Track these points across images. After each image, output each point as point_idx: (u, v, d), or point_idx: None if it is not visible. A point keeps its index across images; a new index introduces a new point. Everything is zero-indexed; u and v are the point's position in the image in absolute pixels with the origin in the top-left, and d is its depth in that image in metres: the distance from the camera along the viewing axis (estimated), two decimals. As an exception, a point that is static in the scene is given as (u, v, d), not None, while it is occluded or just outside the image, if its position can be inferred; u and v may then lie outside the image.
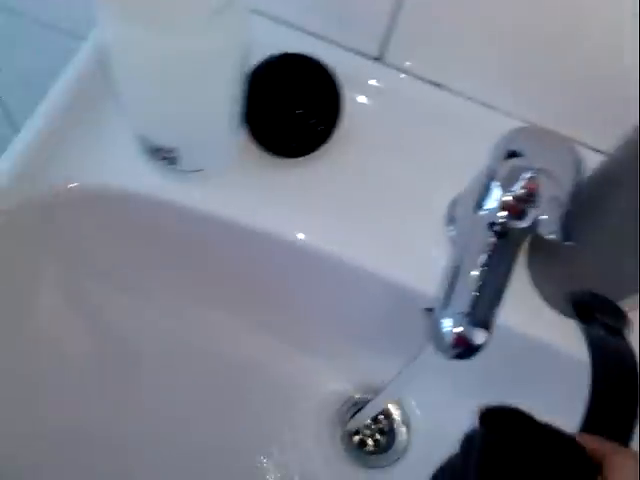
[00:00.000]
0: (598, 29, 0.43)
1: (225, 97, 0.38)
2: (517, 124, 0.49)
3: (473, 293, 0.38)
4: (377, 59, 0.50)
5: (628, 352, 0.39)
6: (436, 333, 0.37)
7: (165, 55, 0.31)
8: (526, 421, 0.31)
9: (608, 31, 0.43)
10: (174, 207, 0.45)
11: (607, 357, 0.40)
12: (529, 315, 0.46)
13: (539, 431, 0.31)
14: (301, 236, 0.46)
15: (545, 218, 0.33)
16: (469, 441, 0.32)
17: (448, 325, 0.37)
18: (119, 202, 0.45)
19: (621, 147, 0.38)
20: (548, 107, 0.49)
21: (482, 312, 0.37)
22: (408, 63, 0.50)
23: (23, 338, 0.48)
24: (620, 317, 0.41)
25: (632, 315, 0.43)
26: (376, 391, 0.58)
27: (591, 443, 0.33)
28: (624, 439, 0.36)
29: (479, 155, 0.44)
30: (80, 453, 0.50)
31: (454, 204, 0.48)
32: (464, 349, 0.36)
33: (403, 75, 0.50)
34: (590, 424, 0.37)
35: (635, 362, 0.39)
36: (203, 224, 0.46)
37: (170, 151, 0.40)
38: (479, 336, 0.36)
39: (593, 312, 0.42)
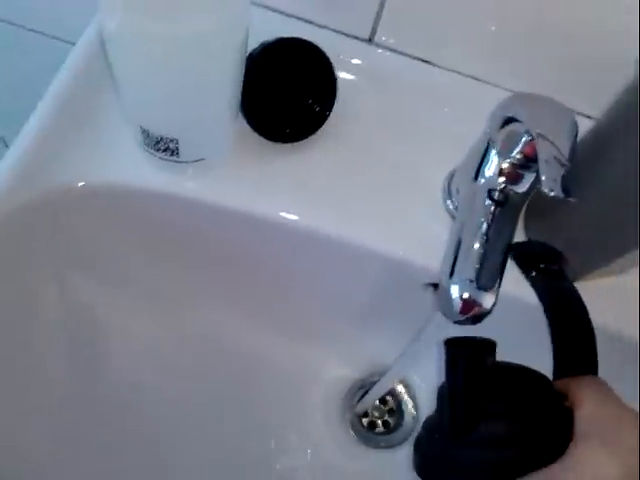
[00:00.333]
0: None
1: (226, 83, 0.38)
2: (506, 95, 0.50)
3: (477, 259, 0.38)
4: (368, 40, 0.51)
5: (572, 291, 0.41)
6: (444, 300, 0.38)
7: (167, 41, 0.32)
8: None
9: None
10: (177, 200, 0.45)
11: (556, 302, 0.42)
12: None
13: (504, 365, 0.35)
14: (302, 220, 0.46)
15: (546, 177, 0.34)
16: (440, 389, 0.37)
17: (455, 291, 0.37)
18: (122, 199, 0.45)
19: (612, 108, 0.39)
20: (536, 76, 0.50)
21: (487, 277, 0.38)
22: (398, 43, 0.50)
23: (25, 340, 0.48)
24: (559, 259, 0.43)
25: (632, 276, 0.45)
26: (381, 372, 0.58)
27: (559, 383, 0.36)
28: (592, 372, 0.38)
29: (472, 127, 0.45)
30: (83, 448, 0.50)
31: (451, 177, 0.48)
32: (473, 313, 0.37)
33: (394, 55, 0.51)
34: (559, 369, 0.39)
35: (580, 298, 0.41)
36: (206, 215, 0.46)
37: (171, 141, 0.40)
38: (487, 300, 0.37)
39: (534, 260, 0.44)
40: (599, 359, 0.38)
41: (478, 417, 0.34)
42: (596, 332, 0.39)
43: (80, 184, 0.44)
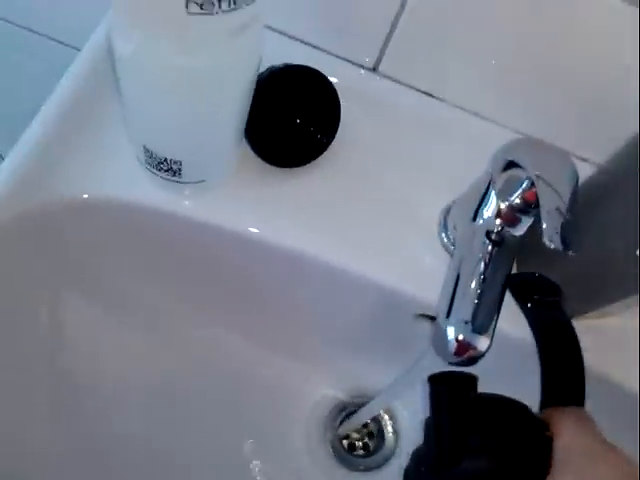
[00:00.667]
0: (590, 41, 0.45)
1: (235, 111, 0.38)
2: (509, 134, 0.51)
3: (474, 299, 0.39)
4: (372, 69, 0.51)
5: (566, 322, 0.43)
6: (440, 340, 0.38)
7: (183, 71, 0.31)
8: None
9: (599, 43, 0.45)
10: (175, 219, 0.45)
11: (548, 331, 0.43)
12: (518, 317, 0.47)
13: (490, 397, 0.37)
14: (299, 245, 0.46)
15: (547, 228, 0.34)
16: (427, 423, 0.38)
17: (451, 333, 0.38)
18: (120, 214, 0.45)
19: (616, 158, 0.40)
20: (536, 116, 0.51)
21: (483, 319, 0.38)
22: (402, 73, 0.51)
23: (14, 351, 0.47)
24: (556, 291, 0.44)
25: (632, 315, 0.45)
26: (365, 395, 0.59)
27: (543, 414, 0.38)
28: (578, 403, 0.39)
29: (471, 164, 0.45)
30: (76, 456, 0.50)
31: (447, 212, 0.49)
32: (467, 356, 0.37)
33: (398, 85, 0.51)
34: (546, 398, 0.41)
35: (573, 329, 0.42)
36: (204, 235, 0.46)
37: (175, 163, 0.40)
38: (481, 343, 0.38)
39: (531, 291, 0.45)
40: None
41: (462, 452, 0.35)
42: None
43: (84, 196, 0.44)
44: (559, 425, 0.35)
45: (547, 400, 0.41)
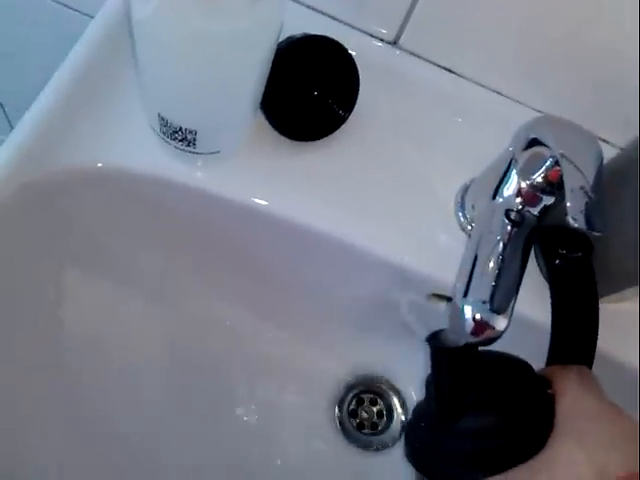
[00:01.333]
0: (613, 21, 0.43)
1: (253, 79, 0.37)
2: (529, 112, 0.50)
3: (492, 279, 0.38)
4: (393, 43, 0.50)
5: (587, 279, 0.41)
6: (457, 321, 0.37)
7: (202, 36, 0.31)
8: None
9: (623, 23, 0.43)
10: (187, 190, 0.44)
11: (566, 286, 0.42)
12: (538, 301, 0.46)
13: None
14: (309, 219, 0.46)
15: (571, 207, 0.34)
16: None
17: (469, 312, 0.37)
18: (130, 184, 0.44)
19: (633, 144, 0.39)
20: (558, 96, 0.49)
21: (501, 299, 0.38)
22: (423, 48, 0.50)
23: (25, 322, 0.47)
24: (585, 245, 0.42)
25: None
26: (373, 375, 0.58)
27: (546, 370, 0.37)
28: (586, 362, 0.39)
29: (491, 143, 0.44)
30: (81, 442, 0.49)
31: (465, 190, 0.48)
32: (485, 336, 0.37)
33: (417, 60, 0.50)
34: (553, 354, 0.40)
35: (594, 286, 0.41)
36: (215, 207, 0.45)
37: (190, 132, 0.39)
38: (499, 323, 0.37)
39: (557, 246, 0.43)
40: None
41: (461, 409, 0.35)
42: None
43: (98, 165, 0.43)
44: (562, 384, 0.35)
45: (554, 356, 0.40)
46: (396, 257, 0.46)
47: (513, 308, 0.38)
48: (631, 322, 0.46)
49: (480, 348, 0.37)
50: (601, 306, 0.42)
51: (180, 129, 0.39)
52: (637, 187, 0.40)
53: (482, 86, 0.50)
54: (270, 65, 0.38)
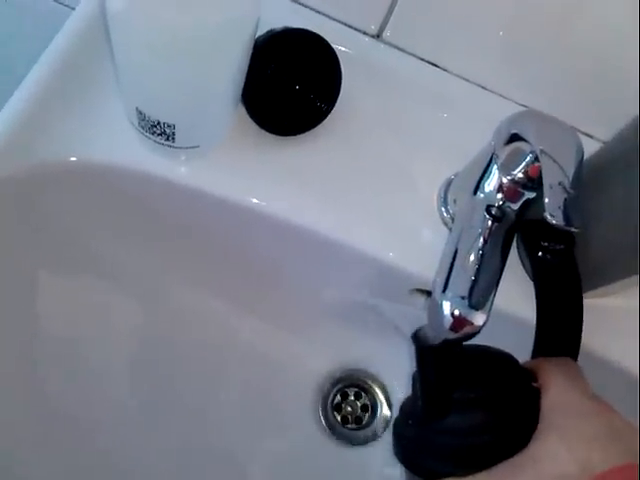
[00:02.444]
0: (597, 15, 0.43)
1: (230, 74, 0.37)
2: (511, 106, 0.50)
3: (472, 275, 0.38)
4: (376, 37, 0.49)
5: (570, 271, 0.42)
6: (436, 317, 0.37)
7: (177, 29, 0.30)
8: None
9: (607, 16, 0.43)
10: (168, 185, 0.44)
11: (550, 278, 0.42)
12: (520, 297, 0.46)
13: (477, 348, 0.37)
14: (292, 214, 0.45)
15: (549, 203, 0.33)
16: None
17: (447, 308, 0.37)
18: (110, 179, 0.44)
19: (619, 136, 0.39)
20: (543, 91, 0.49)
21: (480, 294, 0.38)
22: (406, 42, 0.49)
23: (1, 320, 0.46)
24: (567, 238, 0.43)
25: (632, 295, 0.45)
26: (357, 369, 0.58)
27: (531, 362, 0.37)
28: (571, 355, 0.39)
29: (473, 137, 0.44)
30: (68, 431, 0.49)
31: (448, 185, 0.48)
32: (463, 332, 0.37)
33: (401, 54, 0.50)
34: (538, 347, 0.40)
35: (577, 278, 0.41)
36: (197, 202, 0.45)
37: (168, 127, 0.39)
38: (478, 318, 0.37)
39: (540, 238, 0.43)
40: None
41: (448, 406, 0.36)
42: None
43: (71, 159, 0.42)
44: (547, 377, 0.35)
45: (539, 350, 0.40)
46: (379, 252, 0.46)
47: (492, 303, 0.38)
48: (614, 317, 0.46)
49: (464, 343, 0.37)
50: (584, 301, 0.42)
51: (158, 123, 0.39)
52: (625, 181, 0.40)
53: (466, 80, 0.50)
54: (248, 59, 0.38)
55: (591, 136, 0.50)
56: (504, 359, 0.37)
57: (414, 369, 0.39)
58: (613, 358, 0.46)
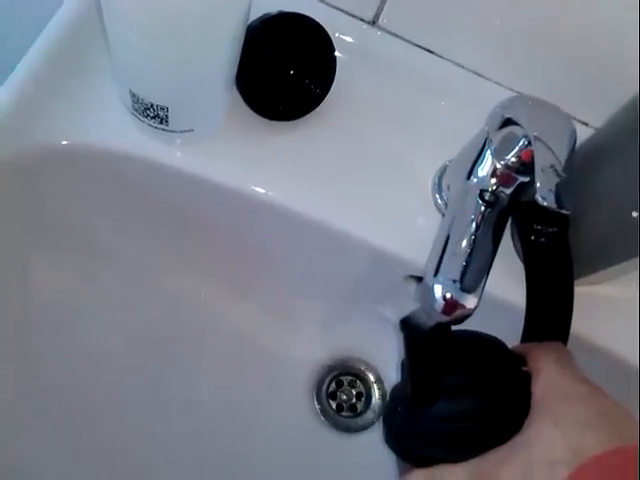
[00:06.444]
0: (594, 2, 0.43)
1: (224, 56, 0.37)
2: (507, 93, 0.50)
3: (463, 259, 0.38)
4: (372, 23, 0.49)
5: (562, 254, 0.41)
6: (427, 300, 0.37)
7: (169, 10, 0.30)
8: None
9: (605, 5, 0.43)
10: (162, 169, 0.44)
11: (541, 261, 0.42)
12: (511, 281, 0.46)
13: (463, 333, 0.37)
14: (287, 200, 0.45)
15: (541, 186, 0.33)
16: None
17: (439, 291, 0.37)
18: (104, 162, 0.44)
19: (614, 120, 0.39)
20: (537, 77, 0.49)
21: (472, 278, 0.38)
22: (402, 28, 0.49)
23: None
24: (561, 221, 0.42)
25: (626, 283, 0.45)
26: (350, 357, 0.58)
27: (521, 347, 0.37)
28: (561, 339, 0.39)
29: (469, 123, 0.44)
30: (65, 415, 0.49)
31: (442, 172, 0.48)
32: (454, 315, 0.37)
33: (397, 40, 0.50)
34: (528, 331, 0.40)
35: (569, 261, 0.41)
36: (191, 187, 0.45)
37: (161, 109, 0.39)
38: (470, 301, 0.37)
39: (533, 221, 0.42)
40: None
41: (438, 392, 0.36)
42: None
43: (63, 143, 0.42)
44: (538, 361, 0.35)
45: (528, 334, 0.40)
46: (374, 239, 0.46)
47: (484, 287, 0.38)
48: (604, 304, 0.46)
49: (453, 328, 0.37)
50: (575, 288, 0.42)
51: (151, 106, 0.39)
52: (618, 167, 0.40)
53: (462, 67, 0.50)
54: (241, 41, 0.38)
55: (587, 124, 0.49)
56: (493, 344, 0.37)
57: (403, 355, 0.39)
58: (601, 344, 0.46)
